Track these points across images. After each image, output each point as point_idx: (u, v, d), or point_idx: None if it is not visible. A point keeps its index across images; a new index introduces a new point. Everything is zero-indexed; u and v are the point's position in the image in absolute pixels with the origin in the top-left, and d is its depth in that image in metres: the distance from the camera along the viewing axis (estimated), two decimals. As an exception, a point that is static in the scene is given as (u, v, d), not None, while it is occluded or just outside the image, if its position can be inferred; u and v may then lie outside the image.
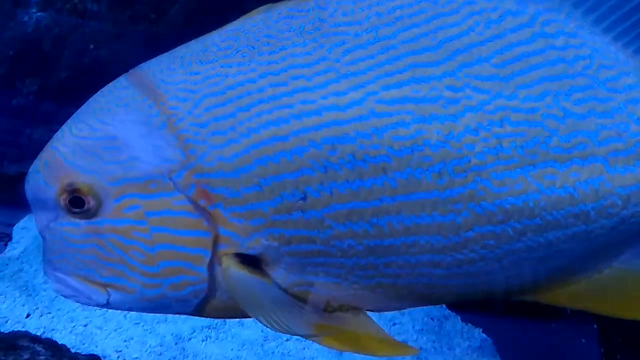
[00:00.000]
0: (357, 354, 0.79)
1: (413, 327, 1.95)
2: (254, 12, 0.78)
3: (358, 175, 0.72)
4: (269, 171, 0.72)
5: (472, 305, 1.67)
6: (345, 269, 0.75)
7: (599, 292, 0.80)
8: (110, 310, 1.89)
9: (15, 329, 1.83)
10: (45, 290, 1.93)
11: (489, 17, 0.75)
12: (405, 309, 0.84)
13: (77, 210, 0.74)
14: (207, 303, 0.77)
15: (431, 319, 1.97)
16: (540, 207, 0.74)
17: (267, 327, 0.75)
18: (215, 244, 0.74)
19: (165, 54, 0.78)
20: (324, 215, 0.73)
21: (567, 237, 0.76)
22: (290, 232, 0.74)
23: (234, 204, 0.73)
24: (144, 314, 1.89)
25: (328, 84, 0.73)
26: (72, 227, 0.76)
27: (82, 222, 0.75)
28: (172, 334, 1.89)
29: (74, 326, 1.90)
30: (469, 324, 1.92)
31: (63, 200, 0.74)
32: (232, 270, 0.74)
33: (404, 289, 0.77)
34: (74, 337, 1.87)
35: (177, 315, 1.89)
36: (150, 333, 1.89)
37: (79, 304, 0.78)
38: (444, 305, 1.97)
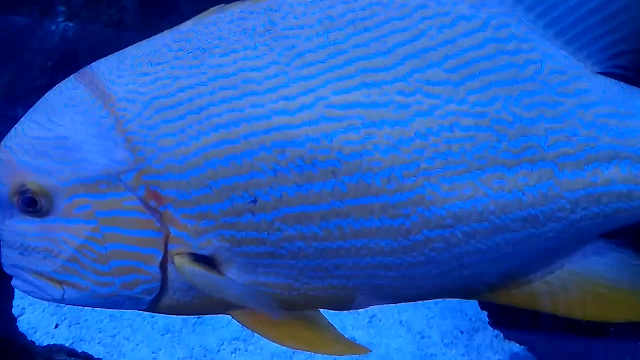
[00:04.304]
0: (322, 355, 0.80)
1: (442, 340, 1.94)
2: (206, 13, 0.78)
3: (308, 179, 0.73)
4: (219, 174, 0.73)
5: (514, 323, 1.66)
6: (296, 270, 0.76)
7: (551, 293, 0.80)
8: (137, 321, 1.91)
9: (45, 340, 1.84)
10: (74, 301, 1.94)
11: (441, 22, 0.75)
12: (358, 309, 0.85)
13: (30, 209, 0.75)
14: (160, 301, 0.78)
15: (461, 332, 1.95)
16: (488, 211, 0.74)
17: None
18: (167, 244, 0.75)
19: (116, 54, 0.78)
20: (274, 218, 0.73)
21: (516, 240, 0.76)
22: (241, 234, 0.74)
23: (185, 206, 0.74)
24: (171, 324, 1.90)
25: (278, 88, 0.73)
26: (27, 225, 0.77)
27: (36, 220, 0.76)
28: (200, 346, 1.90)
29: (102, 337, 1.91)
30: (499, 338, 1.90)
31: (16, 199, 0.75)
32: (186, 267, 0.75)
33: (355, 290, 0.78)
34: (102, 348, 1.88)
35: (205, 327, 1.90)
36: (178, 344, 1.90)
37: (43, 301, 0.80)
38: (473, 319, 1.96)
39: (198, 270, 0.75)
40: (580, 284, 0.80)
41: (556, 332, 1.53)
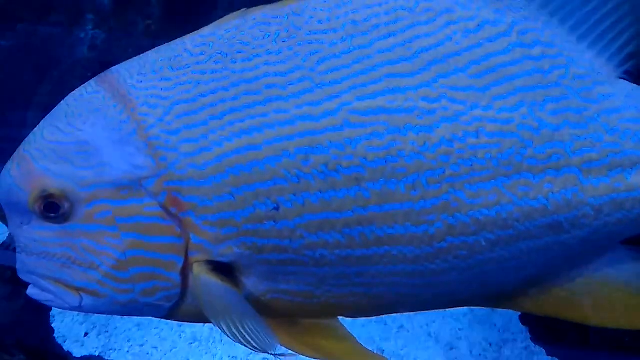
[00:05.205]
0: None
1: (471, 352, 1.92)
2: (228, 17, 0.77)
3: (331, 186, 0.72)
4: (242, 180, 0.72)
5: (556, 339, 1.64)
6: (318, 277, 0.75)
7: (571, 300, 0.80)
8: (165, 330, 1.92)
9: (74, 348, 1.86)
10: (103, 309, 1.95)
11: (466, 27, 0.74)
12: (378, 316, 0.83)
13: (52, 215, 0.75)
14: (180, 308, 0.78)
15: (489, 344, 1.94)
16: (513, 218, 0.73)
17: (226, 335, 0.74)
18: (187, 250, 0.74)
19: (136, 58, 0.78)
20: (296, 225, 0.73)
21: (540, 247, 0.75)
22: (263, 241, 0.74)
23: (206, 212, 0.73)
24: (199, 333, 1.91)
25: (302, 93, 0.72)
26: (45, 230, 0.76)
27: (55, 226, 0.75)
28: (228, 355, 1.90)
29: (130, 346, 1.92)
30: (528, 350, 1.89)
31: (38, 205, 0.75)
32: (202, 277, 0.74)
33: (376, 298, 0.77)
34: (130, 357, 1.89)
35: (233, 336, 1.91)
36: (206, 354, 1.90)
37: (55, 307, 0.79)
38: (502, 330, 1.95)
39: (213, 281, 0.74)
40: (600, 291, 0.79)
41: (601, 349, 1.51)
